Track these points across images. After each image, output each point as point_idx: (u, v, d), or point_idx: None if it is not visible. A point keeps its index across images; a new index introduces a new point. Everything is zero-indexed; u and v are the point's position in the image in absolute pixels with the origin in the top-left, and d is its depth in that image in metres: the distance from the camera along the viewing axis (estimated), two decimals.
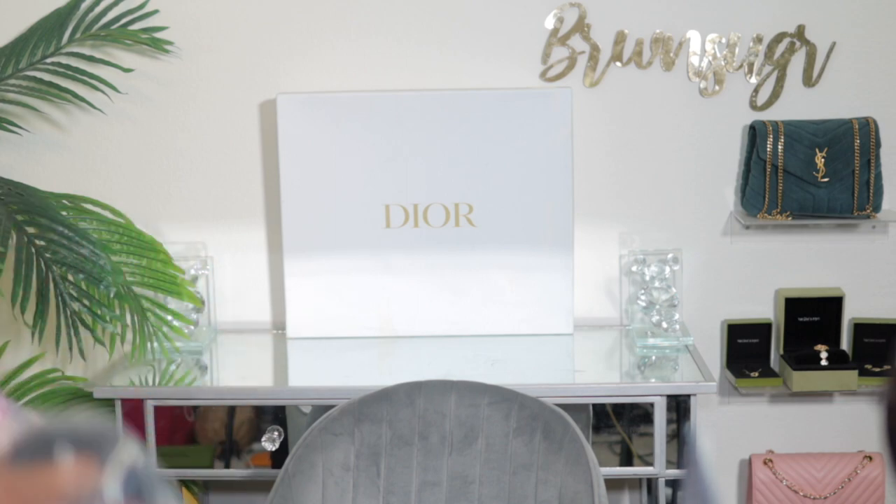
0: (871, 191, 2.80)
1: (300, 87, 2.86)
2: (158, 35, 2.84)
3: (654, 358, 2.74)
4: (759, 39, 2.84)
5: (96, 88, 2.83)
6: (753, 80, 2.86)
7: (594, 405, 2.77)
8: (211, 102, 2.91)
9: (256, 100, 2.91)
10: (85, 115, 2.92)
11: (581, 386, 2.56)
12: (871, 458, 2.85)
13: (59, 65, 2.81)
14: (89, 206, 2.66)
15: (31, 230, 2.45)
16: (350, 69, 2.88)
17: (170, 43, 2.86)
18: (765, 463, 2.85)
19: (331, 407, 2.34)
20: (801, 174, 2.79)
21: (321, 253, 2.83)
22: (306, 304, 2.86)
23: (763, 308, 2.94)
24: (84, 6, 2.85)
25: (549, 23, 2.85)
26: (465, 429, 2.27)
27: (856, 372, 2.81)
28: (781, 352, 2.90)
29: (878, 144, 2.80)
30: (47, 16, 2.85)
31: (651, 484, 2.80)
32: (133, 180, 2.95)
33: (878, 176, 2.81)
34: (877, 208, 2.82)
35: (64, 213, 2.57)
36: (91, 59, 2.84)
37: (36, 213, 2.48)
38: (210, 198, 2.96)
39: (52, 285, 2.45)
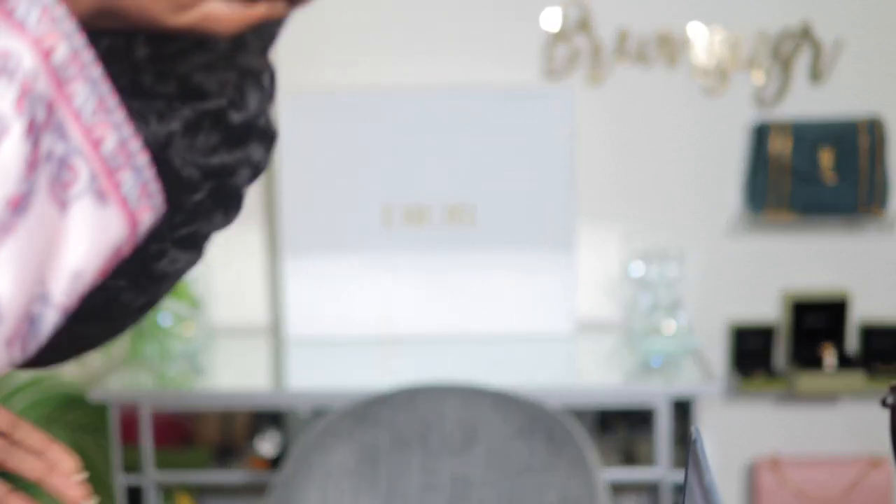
0: (878, 189, 2.77)
1: (300, 87, 2.84)
2: None
3: (656, 359, 2.71)
4: (764, 37, 2.81)
5: None
6: (759, 78, 2.83)
7: (596, 407, 2.74)
8: None
9: None
10: None
11: (583, 388, 2.53)
12: (878, 463, 2.82)
13: None
14: None
15: None
16: (350, 69, 2.86)
17: None
18: (770, 466, 2.82)
19: (330, 409, 2.31)
20: (806, 173, 2.76)
21: (321, 253, 2.81)
22: (306, 304, 2.84)
23: (768, 308, 2.91)
24: None
25: (552, 21, 2.82)
26: (466, 431, 2.25)
27: (862, 374, 2.78)
28: (787, 354, 2.87)
29: (884, 143, 2.77)
30: None
31: (654, 487, 2.77)
32: None
33: (885, 174, 2.78)
34: (883, 206, 2.79)
35: None
36: None
37: None
38: None
39: None
